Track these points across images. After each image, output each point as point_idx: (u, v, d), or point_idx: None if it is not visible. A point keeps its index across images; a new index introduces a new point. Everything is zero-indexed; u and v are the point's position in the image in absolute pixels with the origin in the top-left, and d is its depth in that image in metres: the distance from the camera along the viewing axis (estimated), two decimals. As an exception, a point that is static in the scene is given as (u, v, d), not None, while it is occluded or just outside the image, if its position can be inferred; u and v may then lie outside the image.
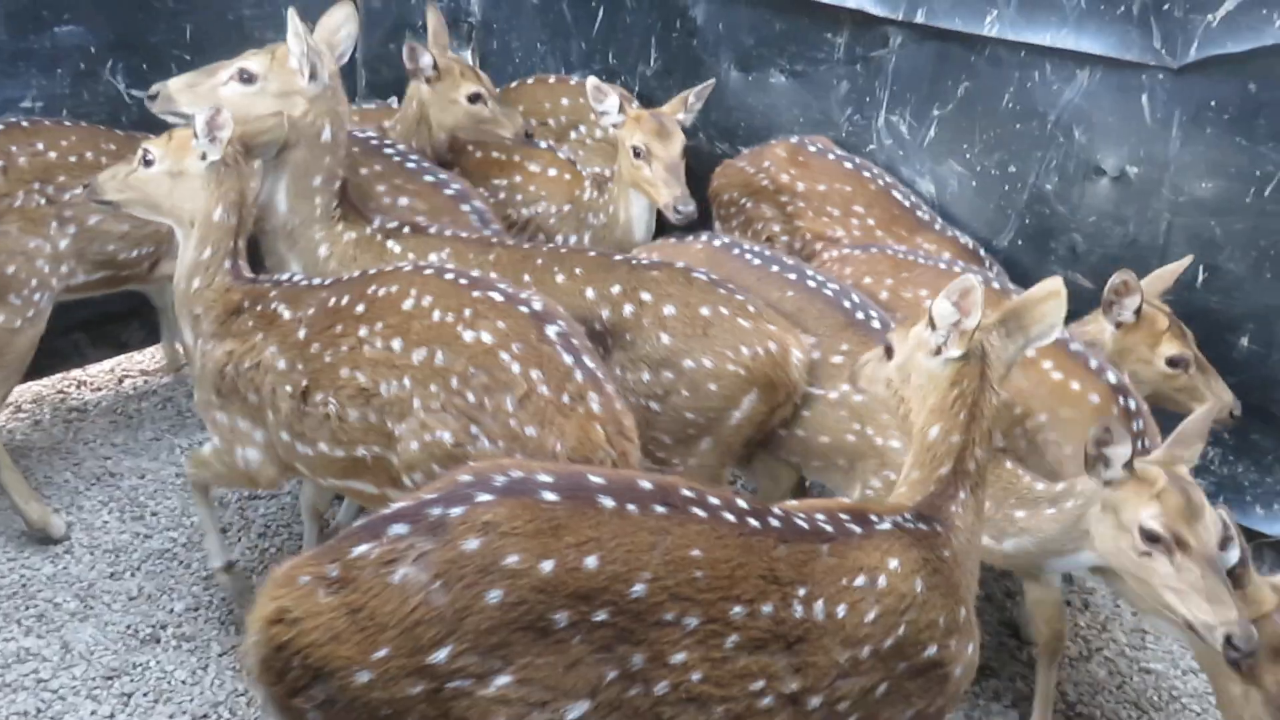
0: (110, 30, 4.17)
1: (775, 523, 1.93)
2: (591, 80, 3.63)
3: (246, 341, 2.74)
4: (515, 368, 2.41)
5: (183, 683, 3.01)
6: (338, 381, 2.58)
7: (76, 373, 4.42)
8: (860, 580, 1.92)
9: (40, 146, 3.42)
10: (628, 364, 2.86)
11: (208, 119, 2.74)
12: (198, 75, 3.07)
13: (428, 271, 2.64)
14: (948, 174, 3.79)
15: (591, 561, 1.73)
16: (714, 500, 1.90)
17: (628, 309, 2.88)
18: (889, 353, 2.22)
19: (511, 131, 3.74)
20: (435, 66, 3.69)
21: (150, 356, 4.61)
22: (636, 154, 3.40)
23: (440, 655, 1.66)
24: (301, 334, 2.67)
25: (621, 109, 3.55)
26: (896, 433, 2.60)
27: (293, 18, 2.97)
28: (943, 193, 3.81)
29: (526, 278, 3.01)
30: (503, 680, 1.68)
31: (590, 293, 2.94)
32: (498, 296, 2.53)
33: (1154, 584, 2.17)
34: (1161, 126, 3.27)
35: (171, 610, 3.27)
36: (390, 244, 3.15)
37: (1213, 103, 3.17)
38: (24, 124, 3.50)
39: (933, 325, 2.07)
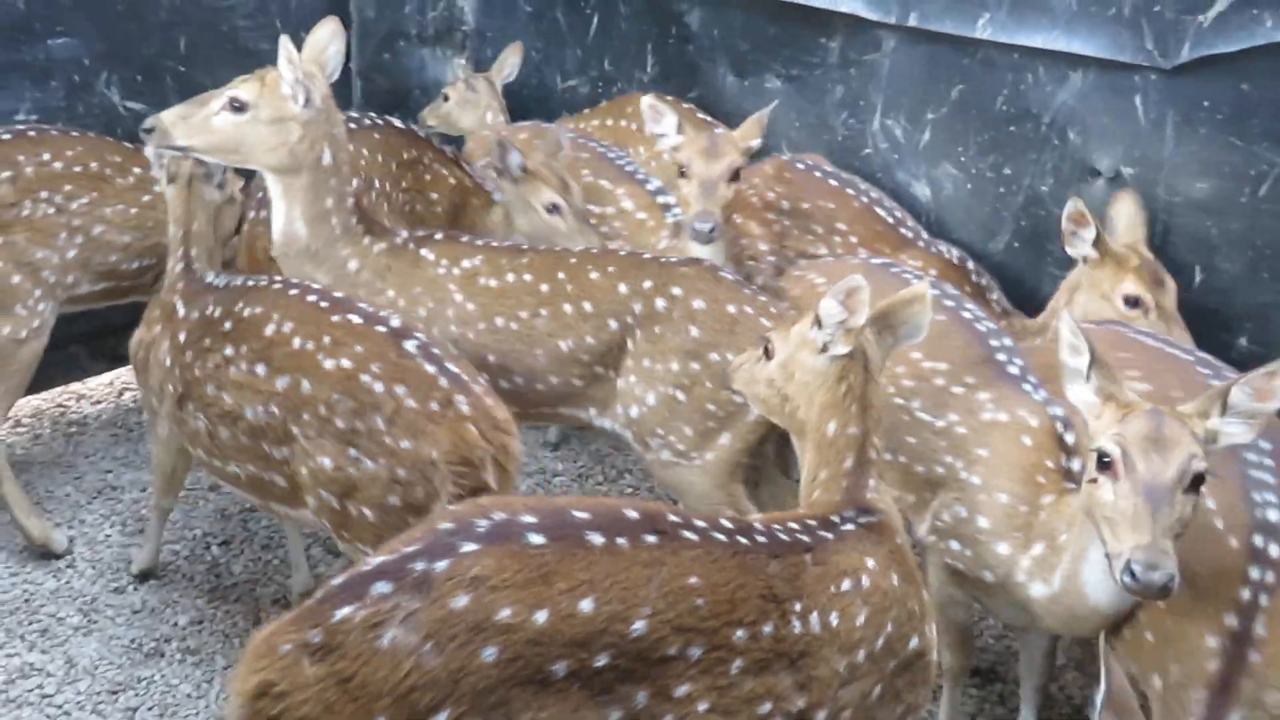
0: (103, 42, 4.17)
1: (762, 538, 1.91)
2: (646, 100, 3.47)
3: (150, 330, 3.06)
4: (378, 387, 2.51)
5: (187, 696, 3.01)
6: (205, 397, 2.78)
7: (76, 386, 4.43)
8: (846, 585, 1.93)
9: (47, 156, 3.45)
10: (657, 355, 2.98)
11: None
12: (190, 106, 3.03)
13: (292, 293, 2.79)
14: (943, 177, 3.80)
15: (587, 605, 1.68)
16: (701, 522, 1.87)
17: (659, 303, 3.00)
18: (768, 353, 2.29)
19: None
20: (524, 168, 3.58)
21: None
22: (681, 173, 3.33)
23: None
24: (182, 337, 2.87)
25: (681, 129, 3.41)
26: (980, 468, 2.54)
27: (285, 44, 2.96)
28: (938, 196, 3.82)
29: (561, 276, 3.10)
30: None
31: (623, 288, 3.05)
32: (356, 319, 2.65)
33: (1094, 513, 2.07)
34: (1155, 127, 3.29)
35: (175, 624, 3.27)
36: (424, 252, 3.19)
37: (1206, 103, 3.19)
38: (31, 134, 3.53)
39: (819, 324, 2.14)
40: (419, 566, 1.67)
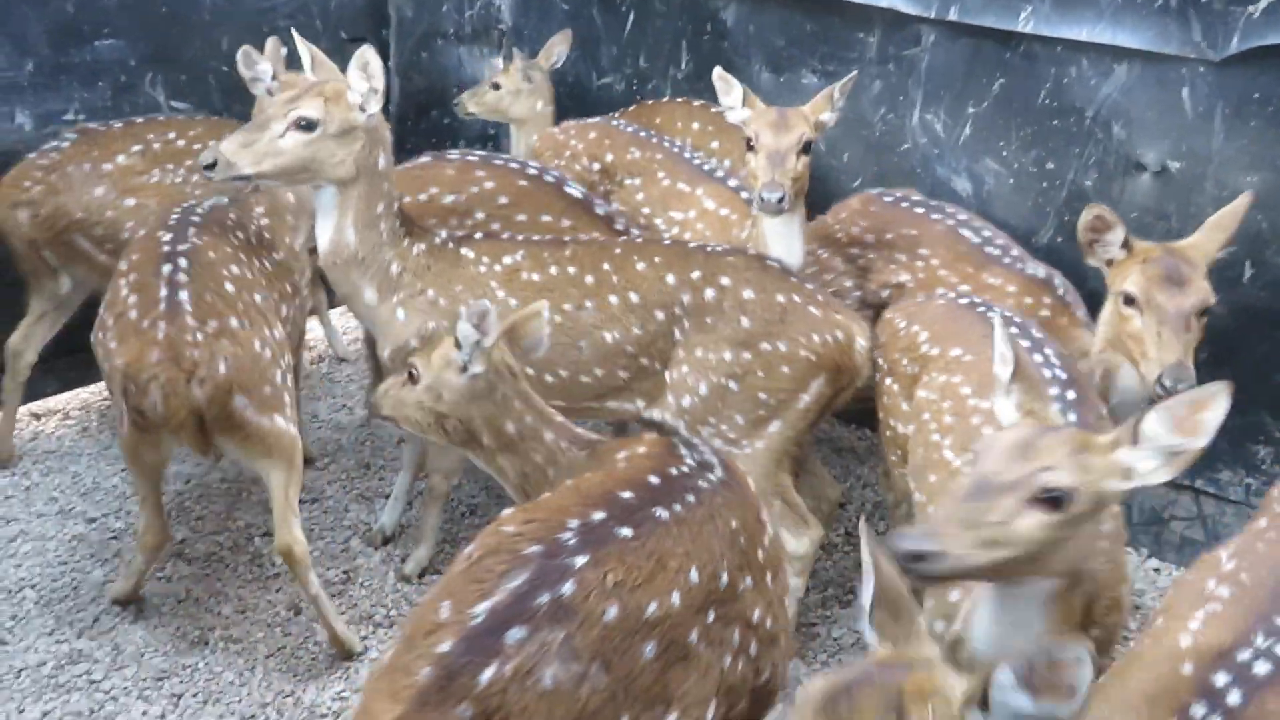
0: (148, 44, 4.26)
1: (722, 474, 2.12)
2: (717, 70, 3.43)
3: None
4: (124, 292, 3.02)
5: (230, 684, 3.05)
6: None
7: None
8: (764, 513, 2.18)
9: (173, 135, 3.84)
10: (709, 345, 2.98)
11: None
12: (248, 133, 2.94)
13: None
14: (984, 172, 3.77)
15: (694, 575, 1.82)
16: (677, 472, 2.06)
17: (709, 293, 3.00)
18: (412, 378, 2.50)
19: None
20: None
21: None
22: (749, 146, 3.26)
23: None
24: None
25: (746, 102, 3.36)
26: None
27: (367, 52, 2.94)
28: (979, 191, 3.79)
29: (606, 267, 3.10)
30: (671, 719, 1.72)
31: (671, 278, 3.04)
32: (160, 242, 3.15)
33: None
34: (1203, 120, 3.23)
35: (219, 613, 3.31)
36: (464, 250, 3.20)
37: (1256, 95, 3.13)
38: (160, 117, 3.97)
39: (459, 346, 2.38)
40: (543, 599, 1.64)
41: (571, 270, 3.12)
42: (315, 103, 2.95)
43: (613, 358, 3.08)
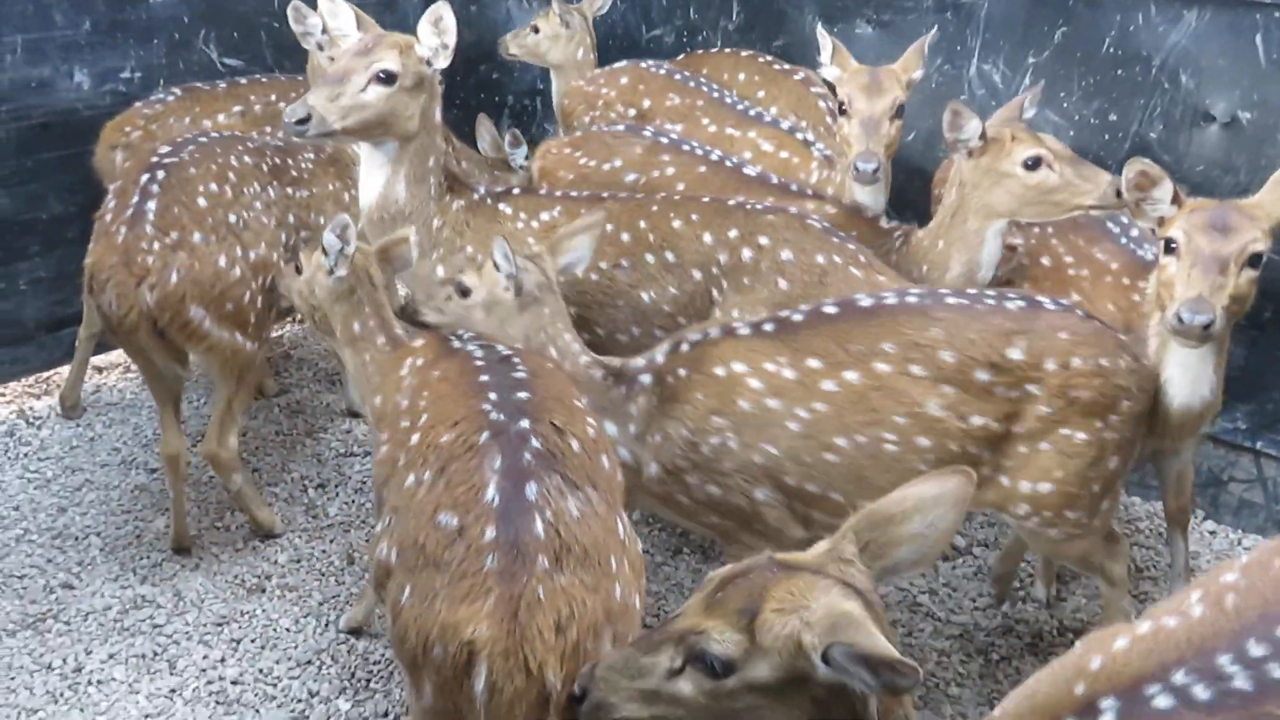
0: (202, 1, 4.28)
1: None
2: (819, 26, 3.40)
3: None
4: (108, 197, 3.22)
5: (286, 630, 3.14)
6: None
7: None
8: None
9: (273, 97, 3.94)
10: (747, 306, 2.89)
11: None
12: (331, 87, 2.88)
13: None
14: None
15: (580, 403, 2.38)
16: (483, 349, 2.40)
17: (746, 253, 2.94)
18: (297, 270, 2.83)
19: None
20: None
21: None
22: (841, 109, 3.21)
23: None
24: None
25: (836, 60, 3.30)
26: None
27: (442, 8, 2.93)
28: (1038, 144, 3.68)
29: (643, 224, 3.04)
30: None
31: (708, 237, 2.98)
32: (154, 153, 3.29)
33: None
34: (1277, 68, 3.10)
35: (275, 561, 3.40)
36: (502, 206, 3.20)
37: (1334, 41, 3.00)
38: (262, 79, 4.05)
39: (325, 253, 2.67)
40: (526, 457, 1.97)
41: (608, 227, 3.04)
42: (393, 54, 2.92)
43: (650, 318, 3.04)
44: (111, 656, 3.03)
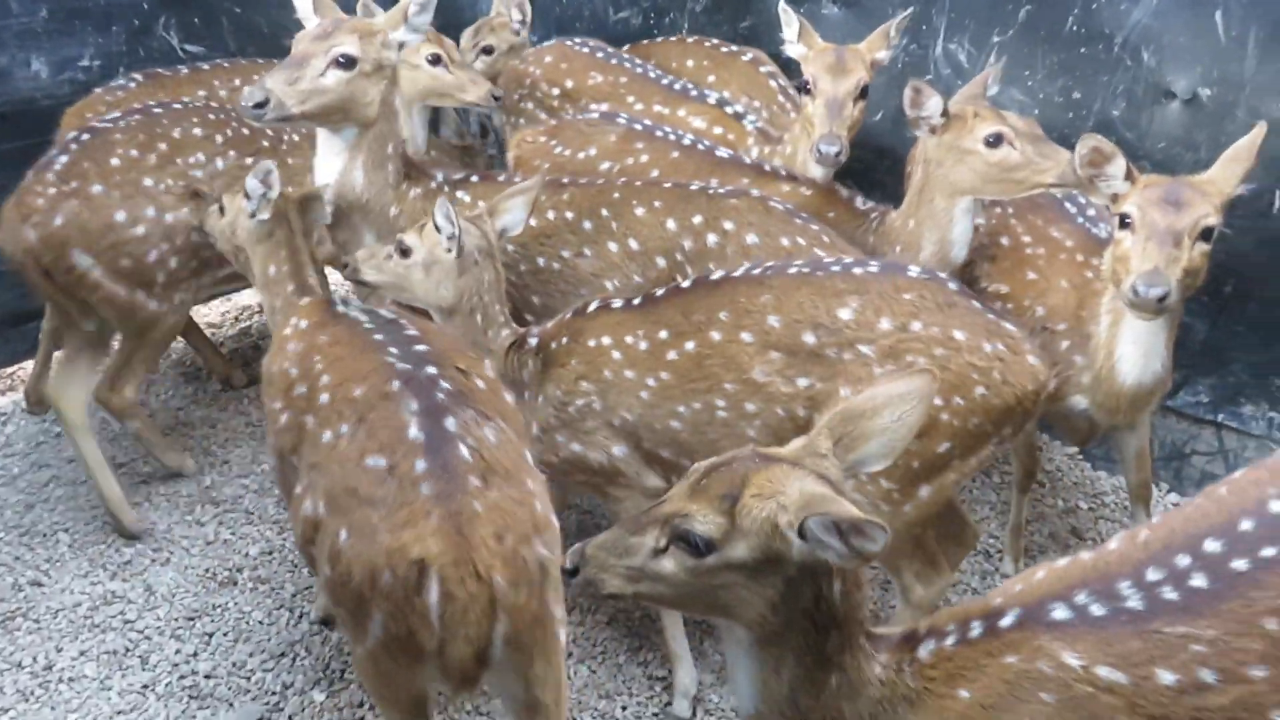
0: (161, -13, 4.21)
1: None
2: (783, 4, 3.41)
3: None
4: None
5: (260, 623, 3.13)
6: None
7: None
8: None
9: (238, 82, 3.87)
10: None
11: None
12: (288, 71, 2.87)
13: None
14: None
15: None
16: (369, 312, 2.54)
17: (711, 238, 2.92)
18: (221, 211, 2.92)
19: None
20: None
21: (215, 310, 4.71)
22: (806, 89, 3.21)
23: None
24: None
25: (803, 38, 3.32)
26: None
27: None
28: (1003, 122, 3.69)
29: (605, 213, 3.03)
30: None
31: (671, 224, 2.96)
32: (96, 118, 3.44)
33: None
34: (1237, 45, 3.12)
35: (246, 554, 3.39)
36: (460, 194, 3.18)
37: (1292, 18, 3.02)
38: (225, 64, 3.99)
39: (248, 196, 2.77)
40: (439, 395, 2.15)
41: (570, 216, 3.05)
42: (352, 39, 2.91)
43: None
44: (82, 653, 3.01)
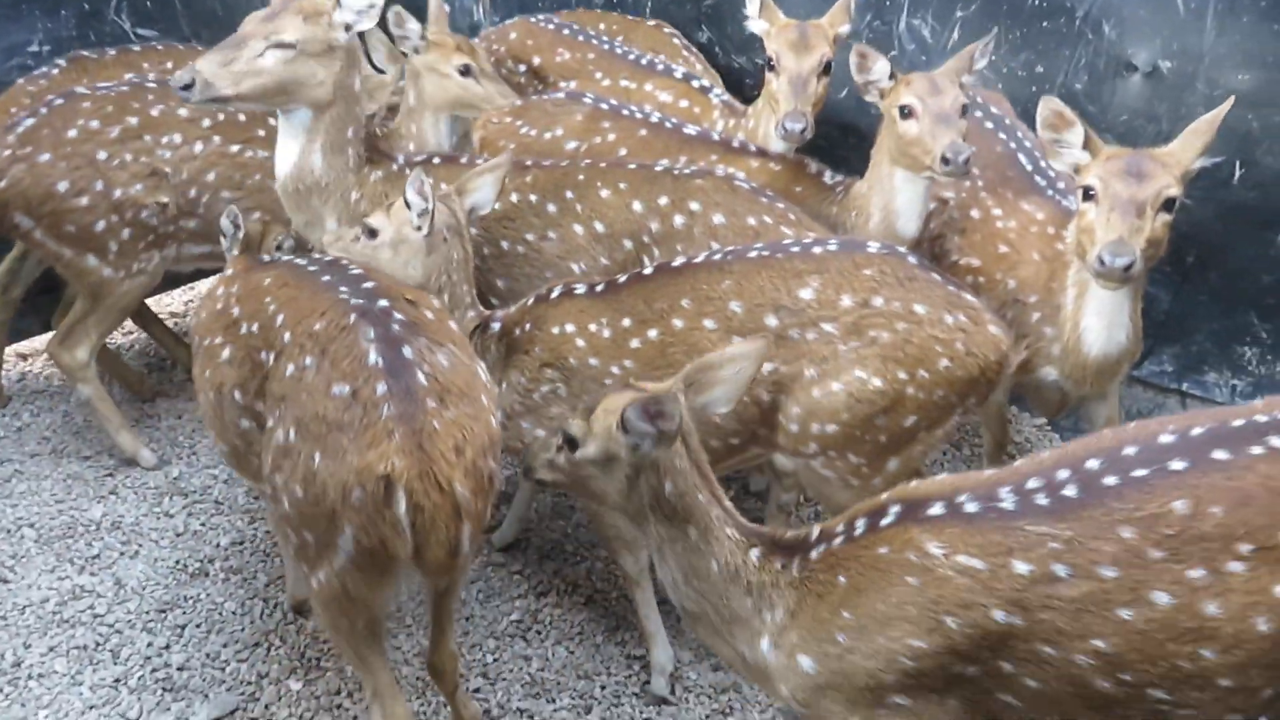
0: (112, -31, 4.11)
1: None
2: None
3: None
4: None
5: (233, 614, 3.09)
6: None
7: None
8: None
9: (170, 65, 3.78)
10: None
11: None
12: (224, 51, 2.86)
13: None
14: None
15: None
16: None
17: (678, 220, 2.90)
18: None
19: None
20: (424, 36, 3.39)
21: (178, 299, 4.64)
22: (770, 65, 3.21)
23: None
24: None
25: (764, 13, 3.31)
26: None
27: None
28: (967, 97, 3.71)
29: (569, 195, 3.00)
30: None
31: (637, 205, 2.94)
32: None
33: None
34: (1195, 18, 3.16)
35: (217, 545, 3.34)
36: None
37: (1249, -11, 3.06)
38: (159, 46, 3.93)
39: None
40: (396, 325, 2.27)
41: (533, 198, 3.02)
42: (295, 20, 2.88)
43: None
44: (52, 649, 2.96)
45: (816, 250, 2.57)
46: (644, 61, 3.78)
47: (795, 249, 2.59)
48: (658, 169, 3.03)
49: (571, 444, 2.09)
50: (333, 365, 2.20)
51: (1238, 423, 1.79)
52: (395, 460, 2.05)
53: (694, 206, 2.90)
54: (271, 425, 2.31)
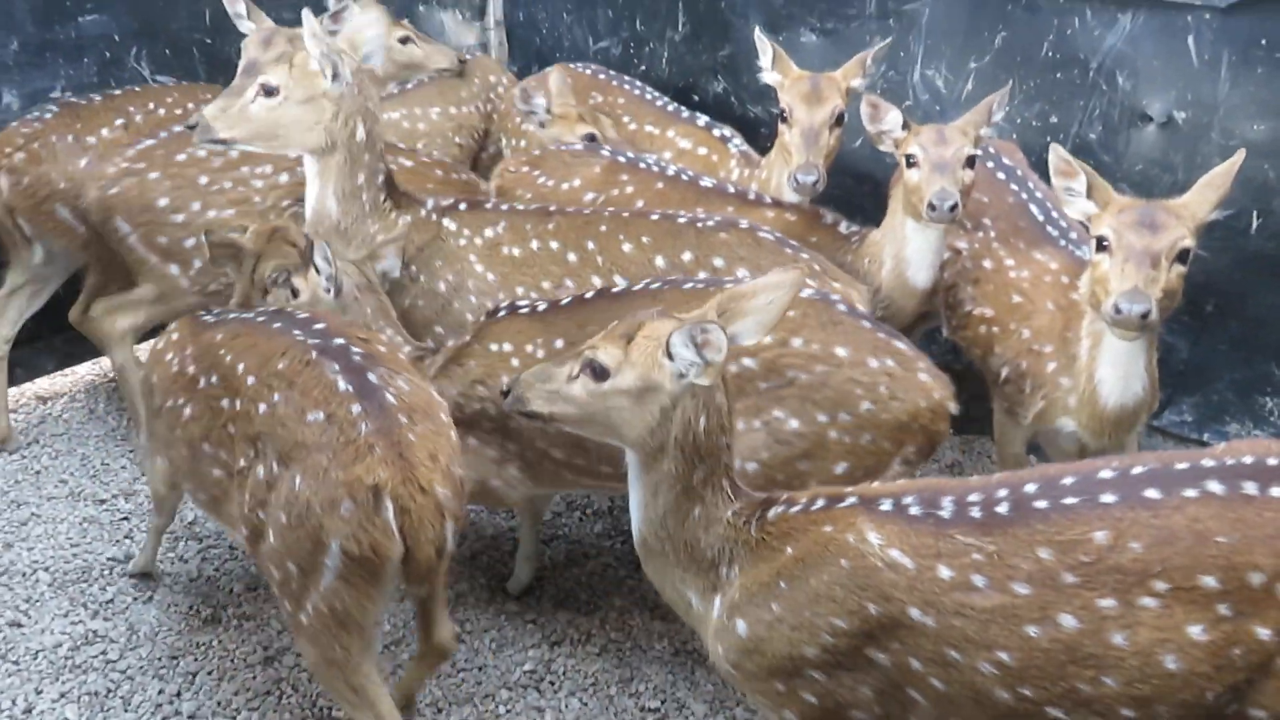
0: (133, 18, 4.21)
1: None
2: (757, 30, 3.46)
3: None
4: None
5: (245, 661, 3.07)
6: None
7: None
8: None
9: (152, 105, 3.92)
10: None
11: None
12: (226, 99, 3.03)
13: None
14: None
15: None
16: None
17: (701, 276, 2.88)
18: (295, 294, 2.89)
19: (447, 62, 3.98)
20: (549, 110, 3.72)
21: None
22: (783, 117, 3.26)
23: None
24: None
25: (777, 65, 3.37)
26: None
27: (308, 19, 2.95)
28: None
29: (590, 245, 3.00)
30: None
31: (660, 261, 2.92)
32: None
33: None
34: (1209, 68, 3.18)
35: (231, 591, 3.33)
36: (446, 221, 3.16)
37: (1263, 41, 3.08)
38: (137, 88, 4.03)
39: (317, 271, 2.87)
40: (355, 356, 2.45)
41: (554, 245, 3.02)
42: (279, 69, 3.00)
43: None
44: (63, 695, 2.94)
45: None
46: (670, 108, 3.85)
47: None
48: (681, 220, 3.03)
49: (599, 373, 2.02)
50: (303, 395, 2.35)
51: (1181, 465, 1.85)
52: (380, 471, 2.22)
53: (717, 263, 2.89)
54: (245, 465, 2.45)
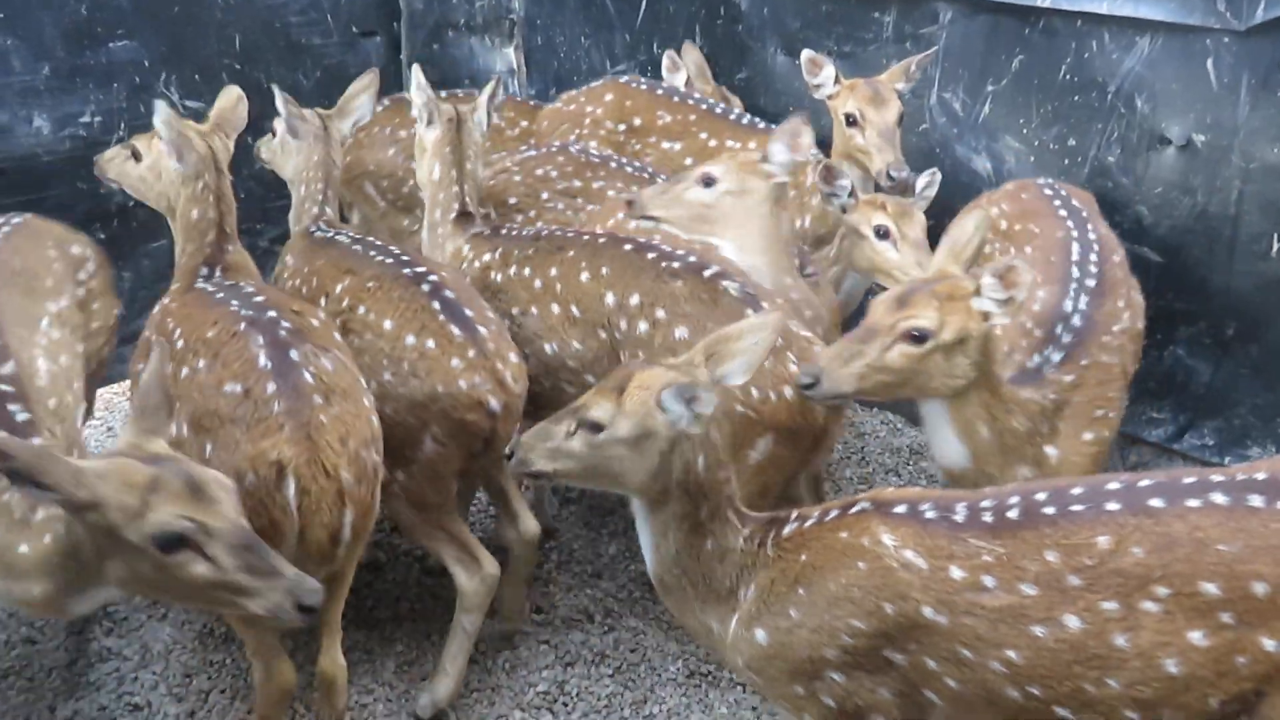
0: (162, 44, 4.27)
1: None
2: (806, 53, 3.54)
3: None
4: None
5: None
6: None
7: (143, 380, 4.52)
8: None
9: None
10: None
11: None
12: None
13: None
14: (1004, 150, 3.71)
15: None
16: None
17: (642, 326, 2.72)
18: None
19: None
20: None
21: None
22: (850, 121, 3.31)
23: None
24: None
25: (837, 79, 3.48)
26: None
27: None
28: (999, 170, 3.73)
29: (553, 273, 2.93)
30: None
31: (610, 299, 2.80)
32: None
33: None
34: (1229, 91, 3.17)
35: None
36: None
37: (1283, 64, 3.06)
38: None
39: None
40: (283, 330, 2.52)
41: (526, 272, 2.98)
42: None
43: (555, 372, 2.89)
44: (76, 713, 2.94)
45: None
46: (745, 121, 3.86)
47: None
48: (649, 256, 2.81)
49: (594, 427, 2.07)
50: (224, 366, 2.43)
51: (1188, 479, 1.89)
52: (285, 449, 2.29)
53: (659, 314, 2.70)
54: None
